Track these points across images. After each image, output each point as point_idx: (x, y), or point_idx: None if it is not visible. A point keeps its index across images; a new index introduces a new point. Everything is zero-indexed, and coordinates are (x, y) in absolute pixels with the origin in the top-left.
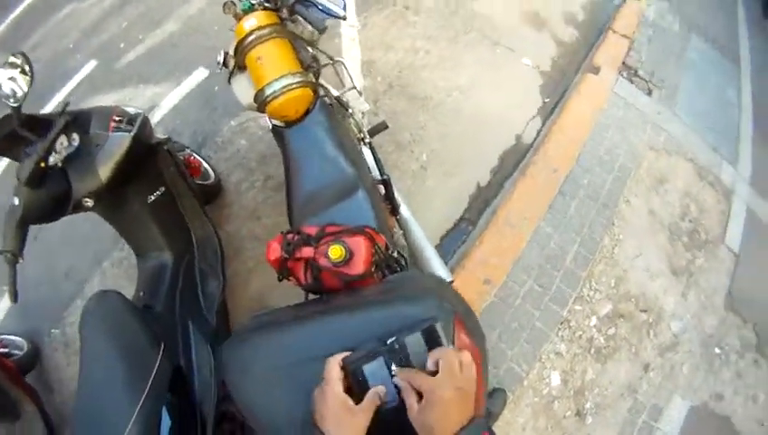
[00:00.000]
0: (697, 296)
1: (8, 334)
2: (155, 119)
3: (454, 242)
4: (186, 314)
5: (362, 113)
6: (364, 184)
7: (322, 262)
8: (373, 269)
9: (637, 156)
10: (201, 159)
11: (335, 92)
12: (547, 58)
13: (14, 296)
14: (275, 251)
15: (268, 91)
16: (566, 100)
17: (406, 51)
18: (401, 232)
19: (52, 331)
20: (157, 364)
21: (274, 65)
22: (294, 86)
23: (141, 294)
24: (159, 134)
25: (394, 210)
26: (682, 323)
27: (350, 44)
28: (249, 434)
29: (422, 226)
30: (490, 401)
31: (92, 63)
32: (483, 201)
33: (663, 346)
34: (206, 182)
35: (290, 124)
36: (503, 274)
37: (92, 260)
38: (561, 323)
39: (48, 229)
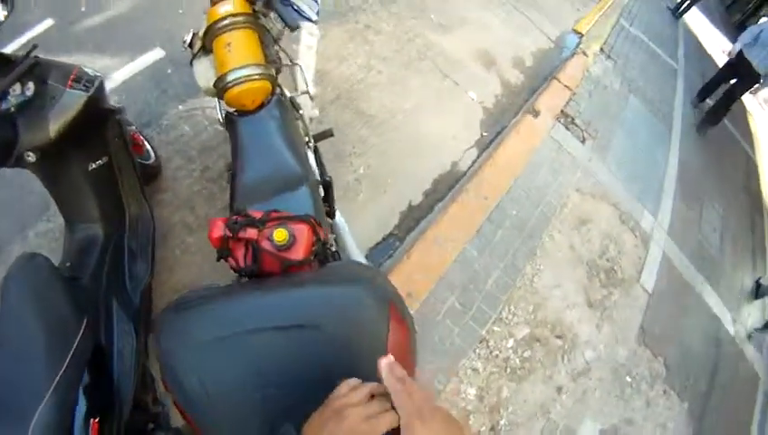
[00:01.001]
0: (611, 328)
1: None
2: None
3: (380, 254)
4: (111, 292)
5: (310, 119)
6: (309, 181)
7: (265, 244)
8: (312, 258)
9: (563, 196)
10: (144, 139)
11: (288, 93)
12: (491, 95)
13: None
14: (219, 229)
15: (230, 78)
16: (504, 136)
17: (359, 67)
18: (333, 237)
19: None
20: (78, 337)
21: (241, 54)
22: (256, 77)
23: (67, 264)
24: (113, 103)
25: (331, 214)
26: (595, 352)
27: (306, 51)
28: (164, 425)
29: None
30: None
31: (49, 22)
32: (413, 219)
33: (576, 371)
34: (146, 162)
35: (243, 114)
36: (426, 289)
37: (16, 229)
38: (480, 342)
39: None
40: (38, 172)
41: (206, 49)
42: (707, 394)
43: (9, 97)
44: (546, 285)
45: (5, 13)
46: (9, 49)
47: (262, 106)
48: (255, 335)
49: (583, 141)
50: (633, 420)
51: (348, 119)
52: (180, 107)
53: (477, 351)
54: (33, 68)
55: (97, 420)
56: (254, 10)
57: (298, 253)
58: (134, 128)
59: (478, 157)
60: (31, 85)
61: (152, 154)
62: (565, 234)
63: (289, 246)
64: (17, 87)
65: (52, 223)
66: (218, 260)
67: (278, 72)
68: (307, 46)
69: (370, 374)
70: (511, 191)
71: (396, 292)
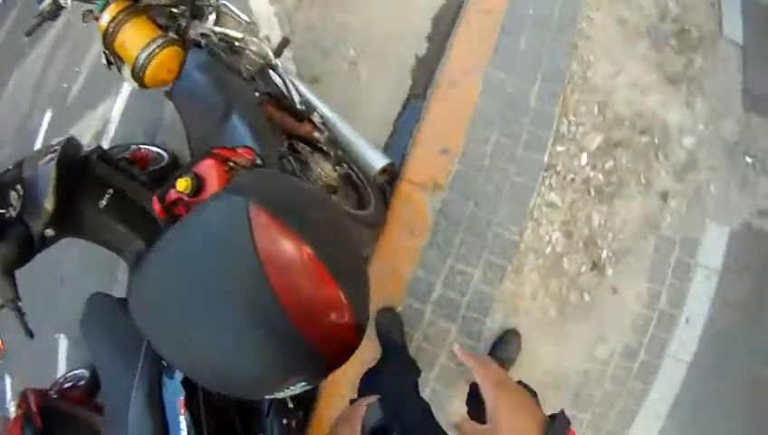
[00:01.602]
0: (707, 102)
1: (72, 371)
2: (111, 132)
3: (408, 123)
4: None
5: (267, 39)
6: (240, 108)
7: (185, 199)
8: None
9: None
10: (151, 148)
11: (223, 31)
12: None
13: (30, 333)
14: (156, 204)
15: (138, 65)
16: None
17: None
18: (325, 134)
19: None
20: (146, 340)
21: (135, 42)
22: (156, 51)
23: (127, 286)
24: (91, 146)
25: (299, 117)
26: (695, 135)
27: None
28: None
29: (370, 119)
30: (501, 348)
31: (48, 114)
32: (427, 71)
33: (678, 168)
34: (160, 166)
35: (175, 83)
36: (460, 137)
37: (110, 278)
38: (546, 171)
39: (68, 269)
40: (68, 235)
41: (119, 58)
42: None
43: (13, 203)
44: (605, 76)
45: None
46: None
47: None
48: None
49: None
50: (766, 209)
51: (317, 14)
52: (172, 103)
53: (546, 182)
54: (13, 174)
55: (183, 397)
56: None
57: (212, 190)
58: (134, 147)
59: None
60: (19, 187)
61: (164, 155)
62: (605, 9)
63: (199, 189)
64: (13, 194)
65: None
66: None
67: (181, 29)
68: None
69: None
70: None
71: (276, 190)
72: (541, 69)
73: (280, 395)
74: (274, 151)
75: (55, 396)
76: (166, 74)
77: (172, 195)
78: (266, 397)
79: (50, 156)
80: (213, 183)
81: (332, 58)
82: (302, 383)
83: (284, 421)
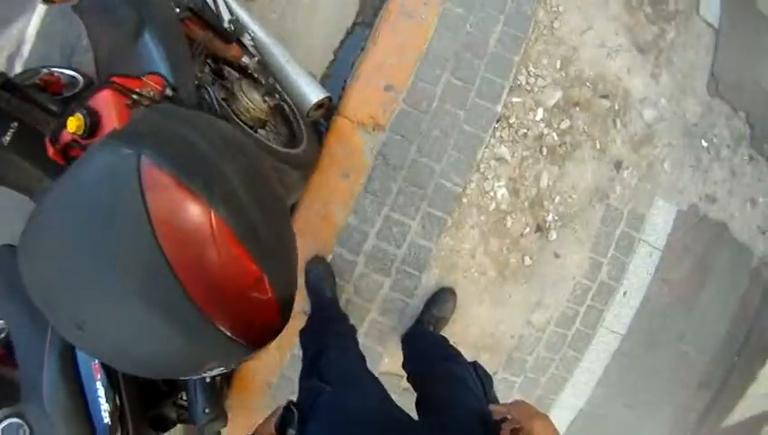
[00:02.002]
0: (672, 77)
1: None
2: (26, 52)
3: (350, 52)
4: None
5: None
6: (154, 25)
7: (80, 140)
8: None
9: None
10: (64, 71)
11: None
12: None
13: None
14: (49, 147)
15: None
16: None
17: None
18: (256, 59)
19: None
20: None
21: None
22: None
23: None
24: (4, 70)
25: (227, 38)
26: (656, 109)
27: None
28: None
29: (310, 46)
30: (436, 306)
31: None
32: None
33: (636, 139)
34: (75, 90)
35: None
36: (408, 74)
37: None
38: (498, 122)
39: None
40: None
41: None
42: None
43: None
44: (573, 30)
45: None
46: None
47: None
48: None
49: None
50: (715, 195)
51: None
52: (81, 19)
53: (497, 134)
54: None
55: (96, 362)
56: None
57: (110, 127)
58: (45, 70)
59: None
60: None
61: (79, 78)
62: None
63: (93, 129)
64: None
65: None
66: None
67: None
68: None
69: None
70: None
71: (175, 136)
72: (505, 11)
73: (196, 377)
74: (191, 79)
75: None
76: None
77: (65, 136)
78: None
79: None
80: (111, 121)
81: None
82: (220, 368)
83: (207, 379)
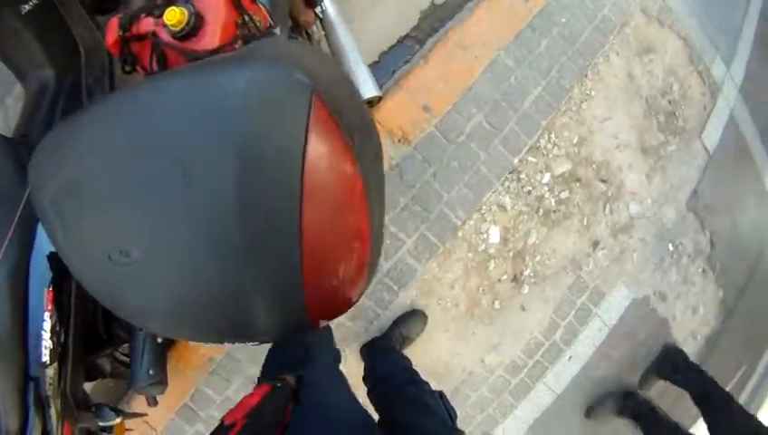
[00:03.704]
0: (662, 183)
1: None
2: None
3: (394, 60)
4: None
5: None
6: None
7: (164, 36)
8: (238, 46)
9: (625, 13)
10: None
11: None
12: None
13: None
14: (113, 30)
15: None
16: None
17: None
18: (322, 33)
19: None
20: (26, 197)
21: None
22: None
23: (18, 121)
24: None
25: (310, 1)
26: (641, 206)
27: None
28: None
29: (359, 37)
30: (405, 326)
31: None
32: (436, 20)
33: (617, 226)
34: None
35: None
36: (447, 103)
37: None
38: (510, 173)
39: None
40: None
41: None
42: (743, 289)
43: None
44: (596, 116)
45: None
46: None
47: None
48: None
49: None
50: (666, 294)
51: None
52: None
53: (506, 184)
54: None
55: (51, 288)
56: None
57: (210, 39)
58: None
59: None
60: None
61: None
62: (624, 58)
63: (193, 30)
64: None
65: None
66: (125, 72)
67: None
68: None
69: (270, 201)
70: None
71: (338, 88)
72: (548, 78)
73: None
74: (285, 29)
75: None
76: None
77: (146, 25)
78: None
79: None
80: (213, 30)
81: None
82: (253, 344)
83: (160, 340)
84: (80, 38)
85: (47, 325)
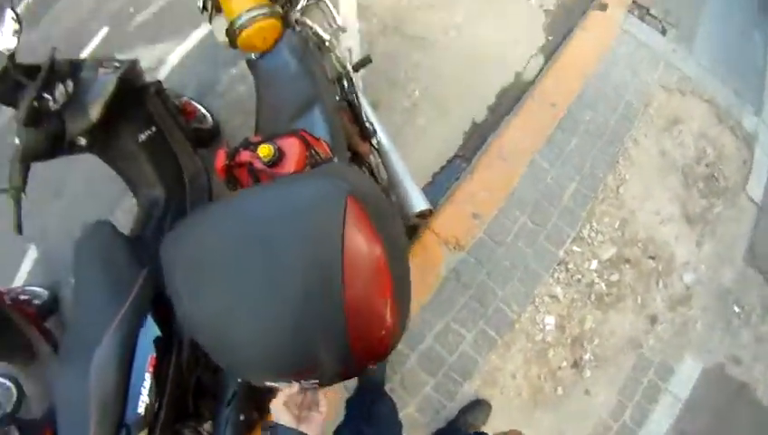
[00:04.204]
0: (714, 247)
1: (31, 286)
2: (162, 74)
3: (446, 179)
4: None
5: (349, 50)
6: (323, 102)
7: (257, 164)
8: (307, 170)
9: (646, 94)
10: (199, 106)
11: (314, 26)
12: None
13: (19, 229)
14: (221, 159)
15: (237, 23)
16: (570, 37)
17: None
18: (379, 160)
19: (71, 280)
20: (137, 286)
21: (242, 0)
22: (260, 17)
23: (133, 226)
24: (149, 79)
25: (365, 135)
26: (695, 274)
27: None
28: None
29: (413, 163)
30: (471, 414)
31: (105, 30)
32: (479, 138)
33: (674, 298)
34: (202, 126)
35: (263, 55)
36: (494, 208)
37: (106, 210)
38: (558, 265)
39: (70, 186)
40: (96, 153)
41: (217, 8)
42: None
43: (57, 97)
44: (634, 197)
45: (17, 39)
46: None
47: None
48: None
49: (663, 33)
50: (740, 358)
51: (397, 46)
52: (234, 70)
53: (556, 275)
54: (70, 71)
55: (154, 355)
56: None
57: (289, 166)
58: (185, 98)
59: (545, 63)
60: (70, 83)
61: (209, 119)
62: (652, 137)
63: (277, 160)
64: (61, 88)
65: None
66: (230, 190)
67: (287, 9)
68: None
69: (321, 272)
70: (582, 95)
71: (369, 191)
72: (582, 171)
73: (284, 386)
74: (343, 158)
75: (9, 302)
76: (259, 42)
77: (244, 156)
78: (270, 384)
79: (112, 69)
80: (291, 161)
81: (397, 92)
82: (314, 382)
83: (242, 417)
84: (185, 165)
85: (147, 383)
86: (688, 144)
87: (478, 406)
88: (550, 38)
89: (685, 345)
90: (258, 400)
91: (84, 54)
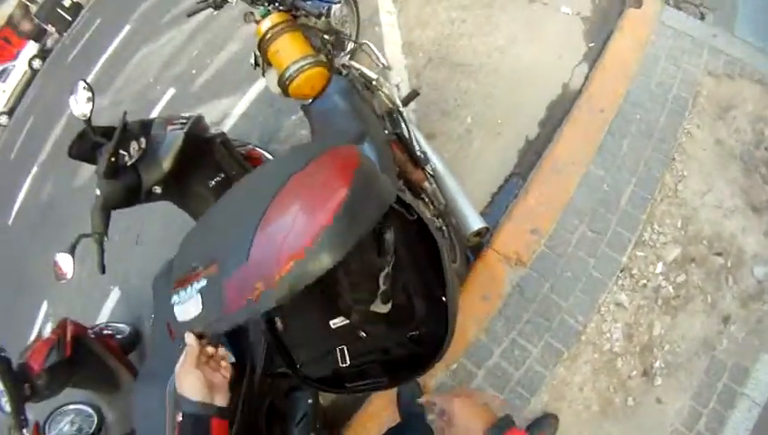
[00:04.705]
0: None
1: (114, 322)
2: (227, 126)
3: (506, 198)
4: None
5: (397, 87)
6: (372, 138)
7: None
8: None
9: (694, 84)
10: (264, 152)
11: (360, 68)
12: (587, 2)
13: (102, 268)
14: None
15: (286, 75)
16: (610, 39)
17: (442, 24)
18: (435, 186)
19: (152, 316)
20: None
21: (289, 53)
22: (306, 67)
23: None
24: (214, 131)
25: (417, 163)
26: (767, 267)
27: (389, 30)
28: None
29: (472, 186)
30: (538, 427)
31: (171, 91)
32: (533, 154)
33: (745, 295)
34: None
35: (314, 100)
36: (551, 222)
37: None
38: (621, 271)
39: (148, 232)
40: (171, 200)
41: (268, 62)
42: None
43: (132, 153)
44: (694, 193)
45: (91, 105)
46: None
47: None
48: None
49: (702, 18)
50: None
51: (445, 76)
52: (293, 117)
53: (620, 282)
54: (142, 130)
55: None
56: (293, 15)
57: None
58: (250, 146)
59: (590, 70)
60: (143, 140)
61: None
62: (706, 127)
63: None
64: (135, 145)
65: None
66: None
67: (330, 56)
68: (389, 25)
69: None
70: (628, 96)
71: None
72: (637, 174)
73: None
74: (395, 184)
75: (93, 336)
76: (309, 90)
77: None
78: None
79: (180, 125)
80: None
81: (450, 120)
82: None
83: None
84: None
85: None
86: (744, 129)
87: (546, 420)
88: (591, 45)
89: (761, 344)
90: (327, 419)
91: (154, 114)
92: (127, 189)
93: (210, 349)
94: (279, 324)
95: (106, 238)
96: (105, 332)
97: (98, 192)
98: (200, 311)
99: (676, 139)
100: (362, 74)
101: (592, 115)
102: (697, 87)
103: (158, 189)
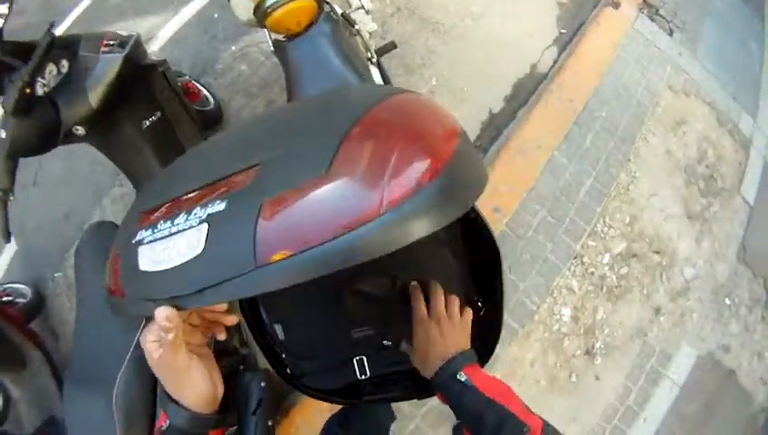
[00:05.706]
0: (711, 244)
1: (12, 283)
2: (152, 50)
3: None
4: None
5: (369, 34)
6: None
7: None
8: None
9: (655, 94)
10: (200, 86)
11: (341, 10)
12: None
13: (7, 235)
14: None
15: (269, 2)
16: (584, 31)
17: None
18: None
19: (56, 275)
20: None
21: None
22: None
23: None
24: (154, 57)
25: None
26: (694, 269)
27: None
28: (252, 367)
29: None
30: None
31: (86, 1)
32: (495, 128)
33: (675, 291)
34: (204, 108)
35: (292, 37)
36: (514, 203)
37: (92, 199)
38: (575, 258)
39: (46, 172)
40: (93, 143)
41: None
42: None
43: (46, 79)
44: (642, 194)
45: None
46: (59, 30)
47: (310, 26)
48: None
49: (671, 34)
50: (729, 346)
51: (412, 30)
52: (233, 48)
53: (572, 268)
54: (64, 47)
55: None
56: None
57: None
58: (187, 77)
59: (559, 56)
60: (65, 62)
61: (210, 99)
62: (660, 136)
63: None
64: (52, 68)
65: (124, 187)
66: None
67: None
68: None
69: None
70: (597, 92)
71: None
72: (597, 168)
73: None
74: None
75: None
76: (293, 25)
77: None
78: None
79: (116, 46)
80: None
81: (413, 78)
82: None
83: (270, 423)
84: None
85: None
86: (691, 144)
87: None
88: (563, 31)
89: (683, 334)
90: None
91: (61, 29)
92: (42, 130)
93: (195, 317)
94: (280, 333)
95: (11, 197)
96: (4, 298)
97: (2, 134)
98: (200, 251)
99: (634, 142)
100: (345, 15)
101: (562, 104)
102: (658, 98)
103: (80, 130)
